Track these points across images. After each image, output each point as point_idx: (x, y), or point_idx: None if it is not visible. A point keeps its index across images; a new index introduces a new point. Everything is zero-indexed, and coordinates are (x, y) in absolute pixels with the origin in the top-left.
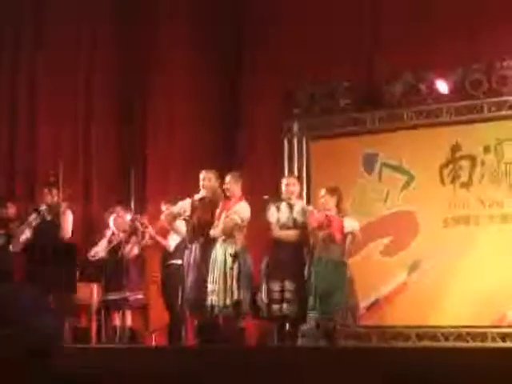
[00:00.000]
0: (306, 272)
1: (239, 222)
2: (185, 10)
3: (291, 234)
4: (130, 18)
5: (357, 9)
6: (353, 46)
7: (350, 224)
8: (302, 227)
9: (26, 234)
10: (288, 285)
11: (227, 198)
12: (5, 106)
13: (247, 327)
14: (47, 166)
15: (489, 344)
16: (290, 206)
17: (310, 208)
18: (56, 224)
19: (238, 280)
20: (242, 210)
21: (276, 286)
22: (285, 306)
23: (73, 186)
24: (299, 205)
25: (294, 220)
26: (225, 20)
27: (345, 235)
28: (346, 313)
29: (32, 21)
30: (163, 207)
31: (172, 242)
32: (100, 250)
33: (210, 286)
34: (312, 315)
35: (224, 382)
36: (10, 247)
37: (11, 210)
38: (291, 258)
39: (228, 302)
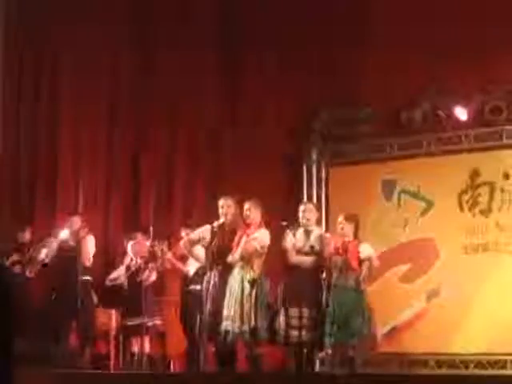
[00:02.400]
0: (323, 298)
1: (259, 248)
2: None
3: (308, 260)
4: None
5: (376, 33)
6: (372, 72)
7: (366, 250)
8: (318, 253)
9: (47, 260)
10: (305, 311)
11: (246, 224)
12: (27, 134)
13: (265, 353)
14: (67, 193)
15: (508, 372)
16: (307, 233)
17: (327, 235)
18: (76, 250)
19: (256, 306)
20: (262, 237)
21: (292, 312)
22: (302, 332)
23: (92, 212)
24: (316, 231)
25: (311, 246)
26: (241, 44)
27: (360, 262)
28: (364, 340)
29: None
30: (183, 233)
31: (191, 267)
32: (118, 276)
33: (225, 312)
34: (329, 342)
35: None
36: (27, 272)
37: (27, 232)
38: (308, 285)
39: (244, 327)
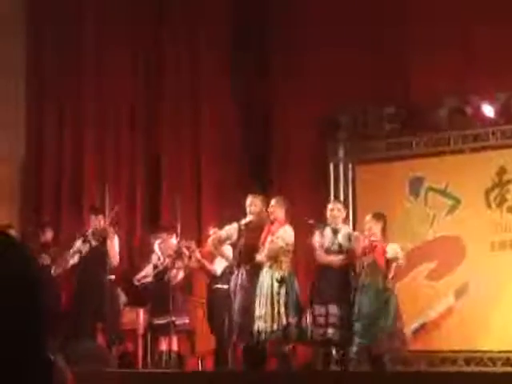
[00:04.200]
0: (351, 297)
1: (283, 245)
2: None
3: (335, 259)
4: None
5: (401, 33)
6: (399, 70)
7: (393, 250)
8: (346, 252)
9: (74, 260)
10: (332, 309)
11: (272, 222)
12: (52, 136)
13: (294, 352)
14: (92, 193)
15: None
16: (335, 231)
17: (356, 233)
18: (103, 250)
19: (286, 305)
20: (285, 235)
21: (320, 310)
22: (329, 330)
23: (118, 211)
24: (344, 230)
25: (339, 245)
26: (261, 46)
27: (387, 261)
28: (393, 338)
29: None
30: (211, 231)
31: (218, 266)
32: (146, 275)
33: (257, 312)
34: (357, 340)
35: None
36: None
37: (49, 234)
38: (336, 283)
39: (275, 327)
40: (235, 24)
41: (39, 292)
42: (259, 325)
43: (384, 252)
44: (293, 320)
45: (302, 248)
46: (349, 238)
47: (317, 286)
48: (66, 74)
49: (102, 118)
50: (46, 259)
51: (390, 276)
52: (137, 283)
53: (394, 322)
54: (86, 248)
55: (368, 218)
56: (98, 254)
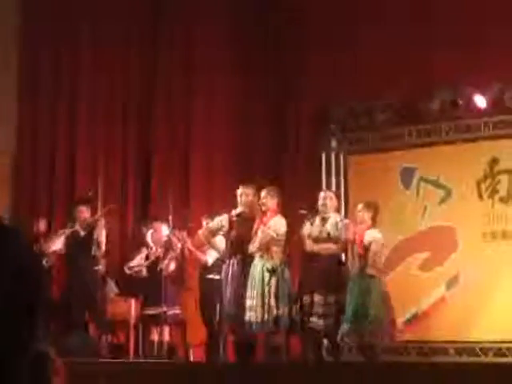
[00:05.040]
0: (341, 285)
1: (274, 236)
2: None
3: (324, 248)
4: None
5: (395, 25)
6: (391, 62)
7: (371, 236)
8: (335, 241)
9: (57, 246)
10: (320, 299)
11: (264, 212)
12: (46, 126)
13: (285, 343)
14: (84, 183)
15: None
16: (324, 220)
17: (346, 221)
18: (90, 240)
19: (276, 296)
20: (277, 225)
21: (308, 300)
22: (317, 320)
23: (110, 201)
24: (333, 218)
25: (328, 233)
26: (266, 46)
27: (366, 248)
28: (382, 327)
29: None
30: (204, 222)
31: (210, 256)
32: (137, 265)
33: (248, 302)
34: (347, 329)
35: None
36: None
37: (42, 223)
38: (325, 272)
39: (266, 317)
40: (234, 22)
41: (35, 279)
42: (250, 316)
43: (362, 239)
44: (283, 311)
45: (294, 238)
46: (337, 225)
47: (305, 275)
48: (60, 66)
49: (94, 109)
50: (39, 249)
51: (370, 262)
52: (128, 271)
53: (379, 310)
54: (72, 238)
55: (360, 206)
56: (86, 244)
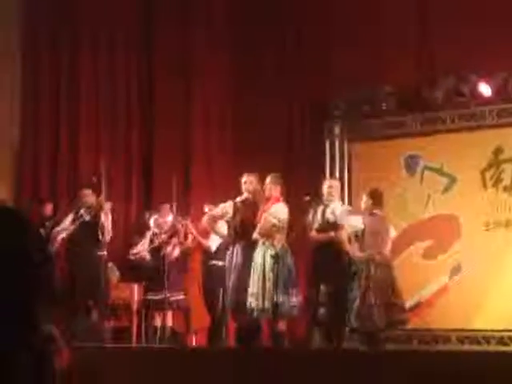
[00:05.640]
0: (344, 273)
1: (276, 222)
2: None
3: (323, 236)
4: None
5: (400, 13)
6: (396, 49)
7: (346, 221)
8: (334, 228)
9: (63, 230)
10: (322, 288)
11: (267, 199)
12: (48, 110)
13: (287, 330)
14: (89, 168)
15: None
16: (328, 208)
17: (349, 208)
18: (95, 225)
19: (276, 282)
20: (278, 211)
21: (311, 289)
22: (322, 308)
23: (113, 187)
24: (333, 206)
25: (328, 221)
26: (264, 21)
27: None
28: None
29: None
30: (206, 209)
31: (213, 243)
32: (142, 250)
33: (250, 289)
34: (351, 317)
35: (265, 383)
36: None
37: (48, 207)
38: (327, 260)
39: (267, 304)
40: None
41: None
42: (251, 302)
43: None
44: (284, 298)
45: (299, 225)
46: (340, 214)
47: (309, 264)
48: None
49: (96, 93)
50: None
51: (348, 248)
52: (132, 257)
53: (361, 296)
54: (77, 223)
55: (364, 196)
56: (90, 229)
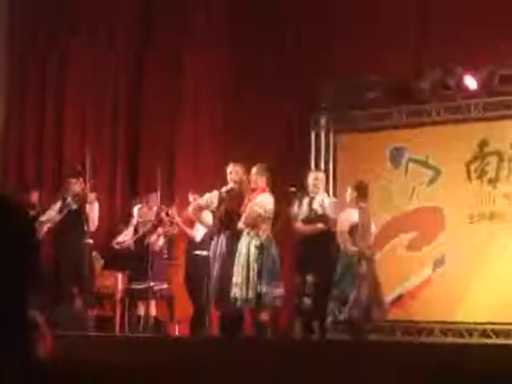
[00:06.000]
0: (328, 265)
1: (262, 212)
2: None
3: (313, 228)
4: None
5: (389, 5)
6: (382, 41)
7: (346, 215)
8: (324, 220)
9: (50, 218)
10: (309, 278)
11: (253, 189)
12: (34, 99)
13: (275, 319)
14: (74, 156)
15: None
16: (313, 200)
17: (334, 200)
18: (82, 214)
19: (260, 273)
20: (264, 201)
21: (296, 280)
22: (308, 299)
23: (99, 176)
24: (320, 198)
25: (315, 213)
26: (264, 21)
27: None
28: (369, 307)
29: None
30: (191, 198)
31: (198, 232)
32: (126, 239)
33: (234, 279)
34: (333, 308)
35: (247, 372)
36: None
37: (34, 195)
38: (312, 252)
39: (250, 294)
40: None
41: (30, 250)
42: (235, 292)
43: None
44: (268, 288)
45: (284, 216)
46: (324, 204)
47: (295, 255)
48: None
49: (84, 84)
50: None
51: (342, 241)
52: (116, 246)
53: (365, 287)
54: (64, 211)
55: (349, 188)
56: (77, 217)
